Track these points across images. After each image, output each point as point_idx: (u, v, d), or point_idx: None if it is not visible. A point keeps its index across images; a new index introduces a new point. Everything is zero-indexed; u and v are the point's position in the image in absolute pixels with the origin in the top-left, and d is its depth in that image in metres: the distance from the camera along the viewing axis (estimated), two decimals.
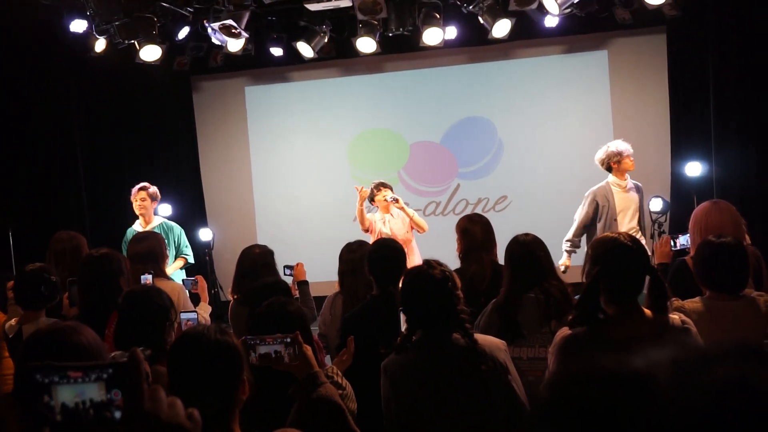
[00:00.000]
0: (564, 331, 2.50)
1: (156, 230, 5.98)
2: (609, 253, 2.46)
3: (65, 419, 1.01)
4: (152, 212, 6.25)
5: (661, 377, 0.79)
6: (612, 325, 2.39)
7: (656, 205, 6.67)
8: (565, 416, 0.84)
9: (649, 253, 4.36)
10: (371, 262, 3.72)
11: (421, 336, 2.70)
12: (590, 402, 0.82)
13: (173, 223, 6.30)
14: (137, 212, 6.20)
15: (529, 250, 3.45)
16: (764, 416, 0.73)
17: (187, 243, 6.26)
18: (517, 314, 3.34)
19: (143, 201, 6.14)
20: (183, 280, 4.71)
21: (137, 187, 6.22)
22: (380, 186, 6.37)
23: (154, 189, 6.23)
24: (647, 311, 2.46)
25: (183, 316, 3.53)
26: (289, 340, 2.18)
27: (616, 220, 5.72)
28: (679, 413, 0.76)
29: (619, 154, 5.81)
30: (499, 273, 3.76)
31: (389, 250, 3.78)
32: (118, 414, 1.00)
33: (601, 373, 0.84)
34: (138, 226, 6.21)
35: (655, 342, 2.23)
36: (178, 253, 6.16)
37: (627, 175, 5.88)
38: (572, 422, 0.82)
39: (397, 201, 6.24)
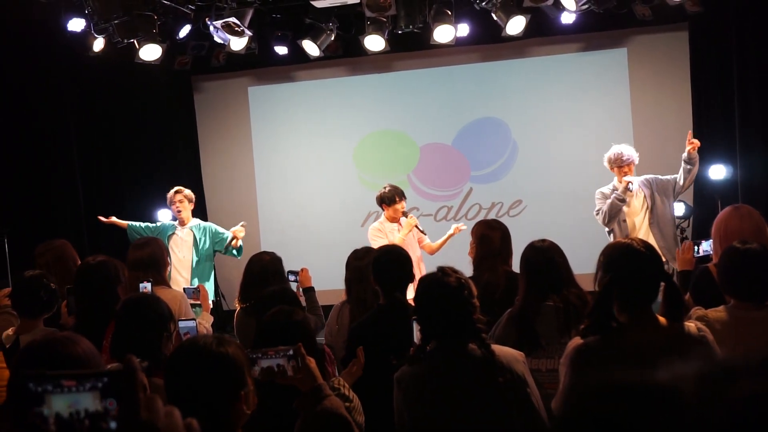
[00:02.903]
0: (576, 341, 2.45)
1: (194, 230, 6.31)
2: (621, 260, 2.42)
3: (59, 430, 1.00)
4: (190, 214, 6.40)
5: (685, 391, 0.77)
6: (625, 334, 2.35)
7: (679, 209, 6.47)
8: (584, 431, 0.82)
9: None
10: (376, 269, 3.64)
11: (435, 346, 2.63)
12: (610, 417, 0.80)
13: (206, 222, 6.52)
14: (177, 215, 6.35)
15: (547, 256, 3.37)
16: None
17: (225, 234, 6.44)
18: (535, 324, 3.25)
19: (181, 203, 6.28)
20: (184, 289, 4.68)
21: (173, 191, 6.33)
22: (401, 195, 6.09)
23: (188, 191, 6.40)
24: (662, 319, 2.41)
25: (181, 326, 3.47)
26: (291, 352, 2.16)
27: (625, 221, 5.62)
28: (703, 429, 0.74)
29: (611, 162, 5.67)
30: (514, 282, 3.68)
31: (393, 255, 3.69)
32: (113, 424, 1.00)
33: (621, 386, 0.82)
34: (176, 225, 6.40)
35: (670, 351, 2.19)
36: (224, 241, 6.34)
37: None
38: None
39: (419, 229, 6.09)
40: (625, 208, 5.62)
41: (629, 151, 5.65)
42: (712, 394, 0.75)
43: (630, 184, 5.54)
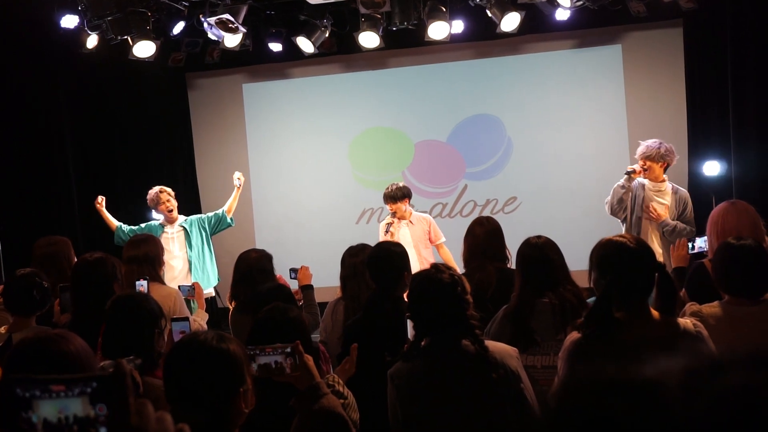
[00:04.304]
0: (573, 335, 2.45)
1: (185, 225, 6.34)
2: (616, 259, 2.42)
3: None
4: (176, 210, 6.43)
5: (671, 386, 0.77)
6: (622, 328, 2.35)
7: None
8: (573, 425, 0.83)
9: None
10: (370, 266, 3.66)
11: (429, 343, 2.64)
12: (598, 411, 0.80)
13: (191, 217, 6.49)
14: (166, 213, 6.32)
15: (542, 252, 3.36)
16: None
17: (210, 214, 6.56)
18: (530, 320, 3.24)
19: (169, 202, 6.28)
20: (179, 286, 4.67)
21: (155, 190, 6.30)
22: (390, 199, 6.10)
23: (169, 189, 6.39)
24: (655, 313, 2.42)
25: (175, 326, 3.46)
26: (289, 350, 2.16)
27: (640, 218, 5.40)
28: (688, 423, 0.74)
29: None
30: (506, 279, 3.68)
31: (384, 252, 3.67)
32: (103, 430, 0.98)
33: (609, 381, 0.83)
34: (164, 223, 6.43)
35: (666, 347, 2.22)
36: (222, 222, 6.47)
37: (665, 179, 5.47)
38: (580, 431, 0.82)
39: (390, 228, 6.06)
40: (658, 205, 5.35)
41: (646, 145, 5.42)
42: (698, 388, 0.75)
43: (631, 170, 5.37)
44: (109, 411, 0.98)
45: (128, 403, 0.97)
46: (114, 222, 6.47)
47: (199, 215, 6.58)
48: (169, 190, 6.34)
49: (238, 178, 6.62)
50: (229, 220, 6.51)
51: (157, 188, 6.33)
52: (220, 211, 6.51)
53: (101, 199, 6.49)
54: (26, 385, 0.99)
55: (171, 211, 6.30)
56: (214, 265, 6.49)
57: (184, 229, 6.34)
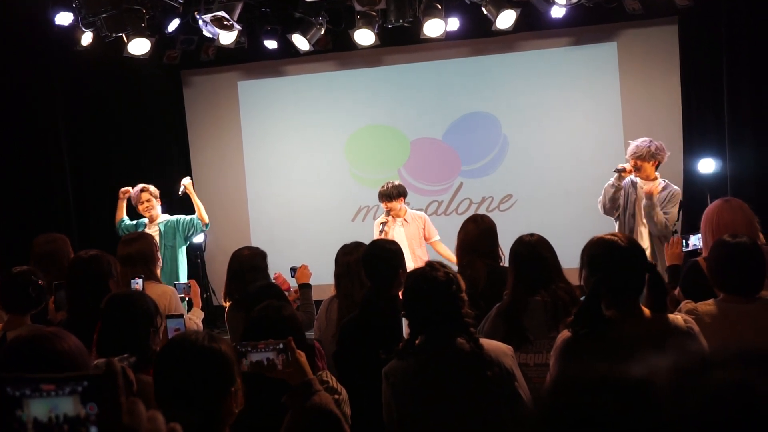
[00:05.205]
0: (564, 334, 2.47)
1: (161, 227, 6.24)
2: (606, 257, 2.43)
3: None
4: (158, 210, 6.34)
5: (661, 383, 0.78)
6: (614, 326, 2.36)
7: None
8: (564, 424, 0.83)
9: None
10: (365, 264, 3.66)
11: (423, 341, 2.63)
12: (589, 409, 0.81)
13: (172, 217, 6.38)
14: (144, 214, 6.31)
15: (535, 251, 3.36)
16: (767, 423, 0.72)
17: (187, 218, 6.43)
18: (523, 318, 3.24)
19: (148, 202, 6.23)
20: (175, 284, 4.67)
21: (137, 189, 6.24)
22: (385, 197, 6.08)
23: (153, 187, 6.30)
24: (646, 310, 2.43)
25: (170, 323, 3.46)
26: (281, 346, 2.16)
27: (633, 215, 5.35)
28: (679, 420, 0.75)
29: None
30: (497, 275, 3.70)
31: (378, 250, 3.67)
32: (94, 429, 0.97)
33: (599, 380, 0.84)
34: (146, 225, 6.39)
35: (657, 344, 2.23)
36: (196, 228, 6.33)
37: (657, 176, 5.37)
38: (571, 430, 0.83)
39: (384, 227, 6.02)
40: (644, 203, 5.22)
41: (636, 144, 5.32)
42: (688, 386, 0.75)
43: (621, 168, 5.29)
44: (99, 410, 0.97)
45: (119, 402, 0.96)
46: (122, 214, 6.43)
47: (177, 216, 6.44)
48: (152, 189, 6.26)
49: (183, 185, 6.47)
50: (202, 227, 6.37)
51: (139, 187, 6.26)
52: (195, 216, 6.39)
53: (124, 191, 6.43)
54: (16, 384, 0.98)
55: (149, 211, 6.23)
56: (183, 267, 6.36)
57: (160, 230, 6.27)
